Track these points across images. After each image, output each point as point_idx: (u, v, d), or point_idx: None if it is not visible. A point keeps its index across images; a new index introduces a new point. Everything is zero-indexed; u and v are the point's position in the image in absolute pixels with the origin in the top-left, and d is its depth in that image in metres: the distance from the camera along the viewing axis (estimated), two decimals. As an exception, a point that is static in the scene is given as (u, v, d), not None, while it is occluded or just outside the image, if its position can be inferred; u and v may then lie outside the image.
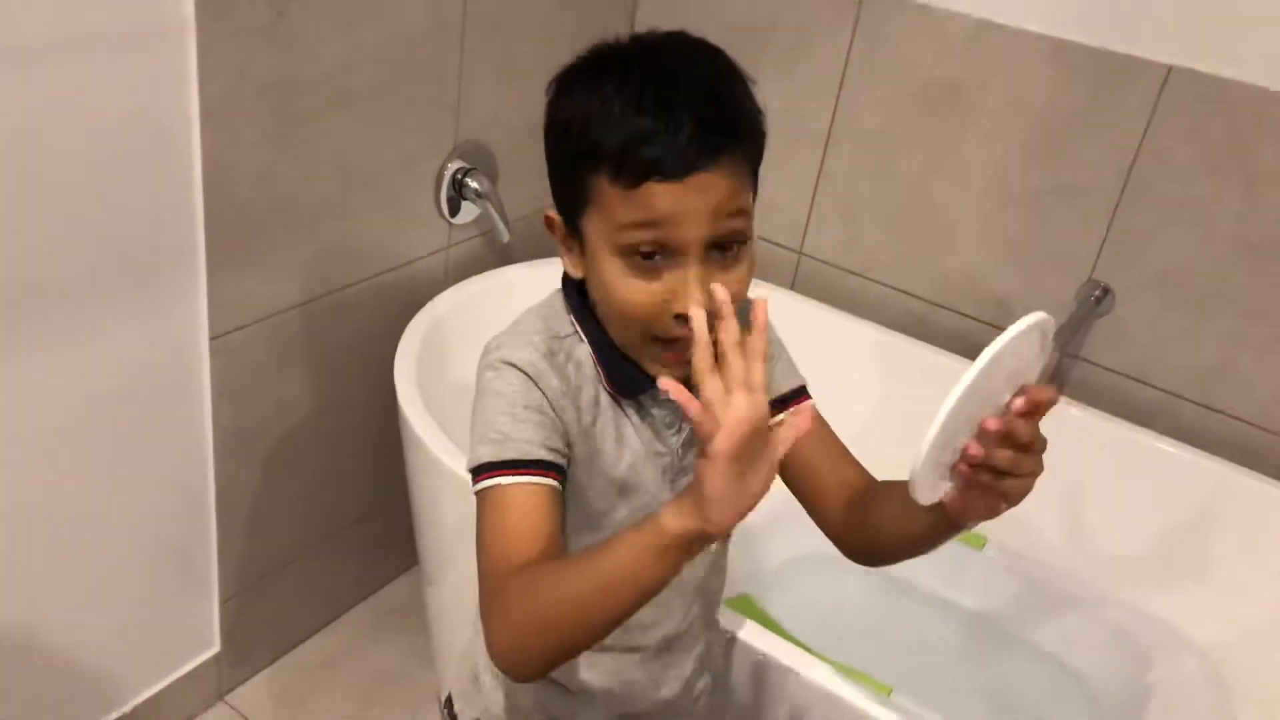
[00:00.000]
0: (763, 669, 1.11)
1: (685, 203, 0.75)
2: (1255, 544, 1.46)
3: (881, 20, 1.67)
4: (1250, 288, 1.49)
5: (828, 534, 0.95)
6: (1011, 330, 0.68)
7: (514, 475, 0.79)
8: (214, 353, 1.39)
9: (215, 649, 1.63)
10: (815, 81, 1.76)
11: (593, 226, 0.80)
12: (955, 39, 1.61)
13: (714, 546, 0.96)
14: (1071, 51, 1.52)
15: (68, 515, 1.33)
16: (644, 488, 0.89)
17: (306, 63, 1.34)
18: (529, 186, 1.75)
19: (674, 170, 0.74)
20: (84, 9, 1.10)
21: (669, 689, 1.00)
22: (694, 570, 0.96)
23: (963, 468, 0.72)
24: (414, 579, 1.91)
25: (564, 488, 0.83)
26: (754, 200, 0.81)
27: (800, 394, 0.96)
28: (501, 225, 1.67)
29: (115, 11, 1.13)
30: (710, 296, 0.72)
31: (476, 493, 0.81)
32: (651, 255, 0.77)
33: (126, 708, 1.53)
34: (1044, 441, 0.72)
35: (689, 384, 0.68)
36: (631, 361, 0.84)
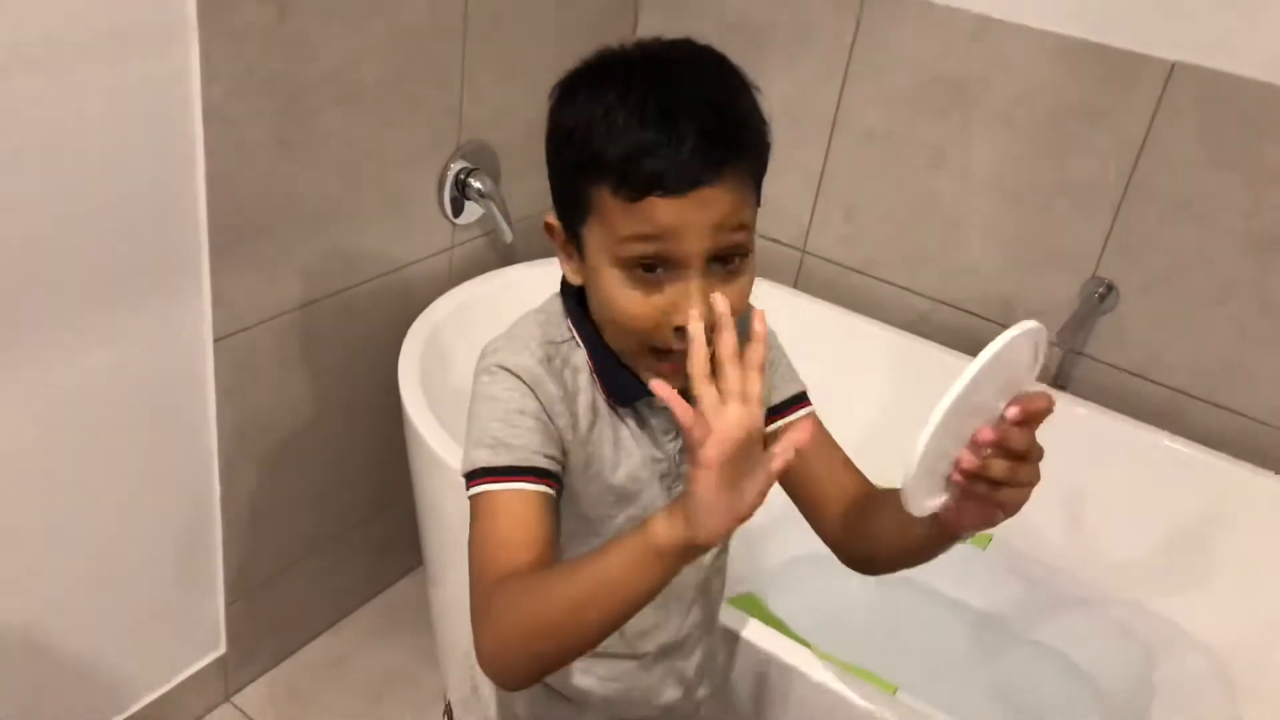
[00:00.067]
0: (767, 667, 1.11)
1: (687, 217, 0.74)
2: (1261, 541, 1.46)
3: (884, 17, 1.67)
4: (1256, 283, 1.48)
5: (826, 541, 0.94)
6: (999, 341, 0.67)
7: (508, 482, 0.79)
8: (218, 354, 1.39)
9: (221, 650, 1.63)
10: (818, 78, 1.75)
11: (593, 236, 0.79)
12: (958, 35, 1.61)
13: (711, 552, 0.95)
14: (1075, 48, 1.52)
15: (72, 517, 1.33)
16: (641, 495, 0.88)
17: (309, 62, 1.34)
18: (532, 187, 1.75)
19: (676, 185, 0.73)
20: (86, 10, 1.10)
21: (669, 695, 0.99)
22: (693, 574, 0.95)
23: (957, 478, 0.71)
24: (419, 579, 1.91)
25: (559, 495, 0.82)
26: (756, 214, 0.80)
27: (799, 400, 0.95)
28: (504, 226, 1.67)
29: (117, 12, 1.13)
30: (710, 307, 0.72)
31: (470, 497, 0.81)
32: (653, 268, 0.76)
33: (132, 710, 1.53)
34: (1040, 450, 0.71)
35: (686, 395, 0.67)
36: (628, 369, 0.84)
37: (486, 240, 1.77)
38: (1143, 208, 1.53)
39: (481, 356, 0.85)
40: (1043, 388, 0.73)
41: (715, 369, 0.67)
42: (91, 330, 1.25)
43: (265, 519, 1.59)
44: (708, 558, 0.96)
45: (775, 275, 1.87)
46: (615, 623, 0.71)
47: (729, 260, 0.78)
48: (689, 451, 0.66)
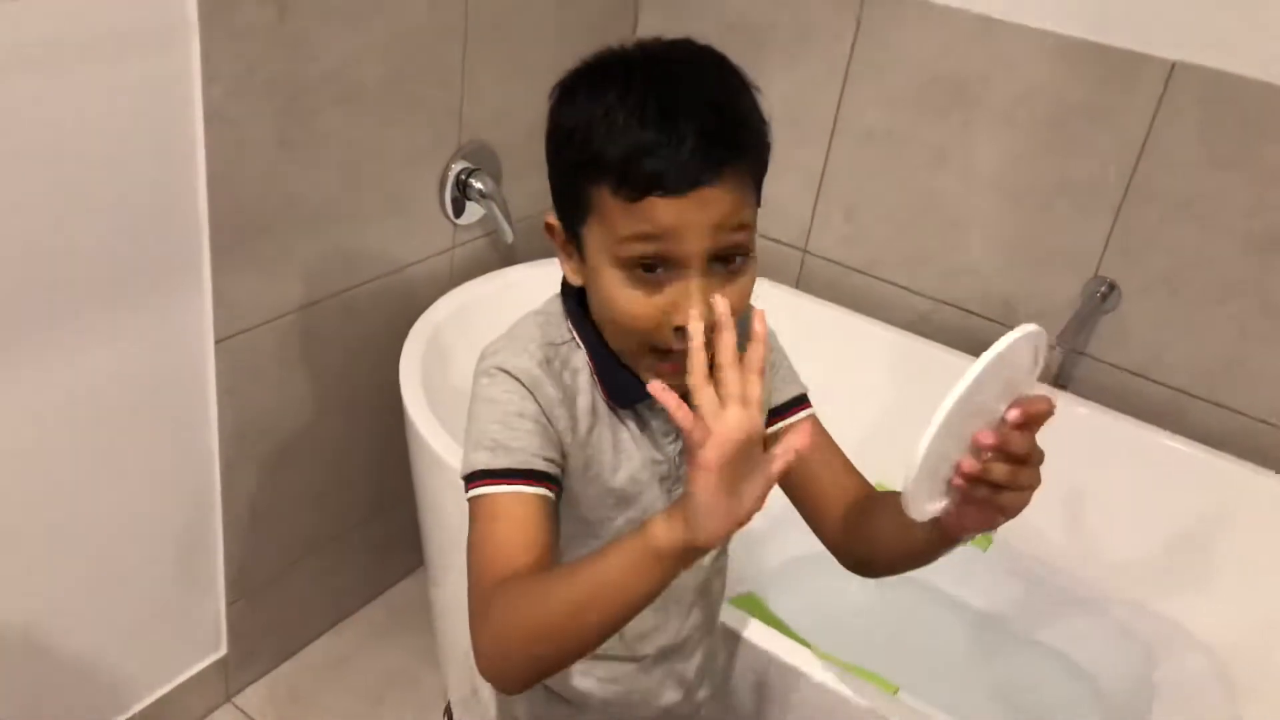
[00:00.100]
0: (768, 667, 1.11)
1: (687, 217, 0.74)
2: (1261, 540, 1.46)
3: (884, 16, 1.66)
4: (1258, 283, 1.48)
5: (826, 544, 0.94)
6: (1000, 343, 0.67)
7: (507, 484, 0.79)
8: (219, 355, 1.39)
9: (222, 651, 1.63)
10: (819, 78, 1.75)
11: (593, 236, 0.79)
12: (958, 35, 1.61)
13: (710, 554, 0.95)
14: (1076, 47, 1.52)
15: (73, 518, 1.33)
16: (641, 497, 0.88)
17: (310, 62, 1.34)
18: (533, 187, 1.75)
19: (676, 185, 0.73)
20: (87, 10, 1.10)
21: (668, 697, 0.99)
22: (693, 576, 0.95)
23: (958, 482, 0.71)
24: (421, 580, 1.91)
25: (558, 498, 0.82)
26: (757, 214, 0.80)
27: (800, 402, 0.95)
28: (506, 226, 1.67)
29: (118, 12, 1.13)
30: (710, 308, 0.71)
31: (469, 500, 0.80)
32: (653, 268, 0.76)
33: (133, 710, 1.53)
34: (1041, 454, 0.71)
35: (686, 396, 0.67)
36: (629, 370, 0.84)
37: (488, 240, 1.77)
38: (1144, 207, 1.53)
39: (481, 358, 0.85)
40: (1044, 390, 0.73)
41: (715, 371, 0.66)
42: (93, 330, 1.25)
43: (266, 519, 1.59)
44: (707, 559, 0.96)
45: (776, 275, 1.87)
46: (615, 626, 0.71)
47: (730, 260, 0.77)
48: (688, 454, 0.66)
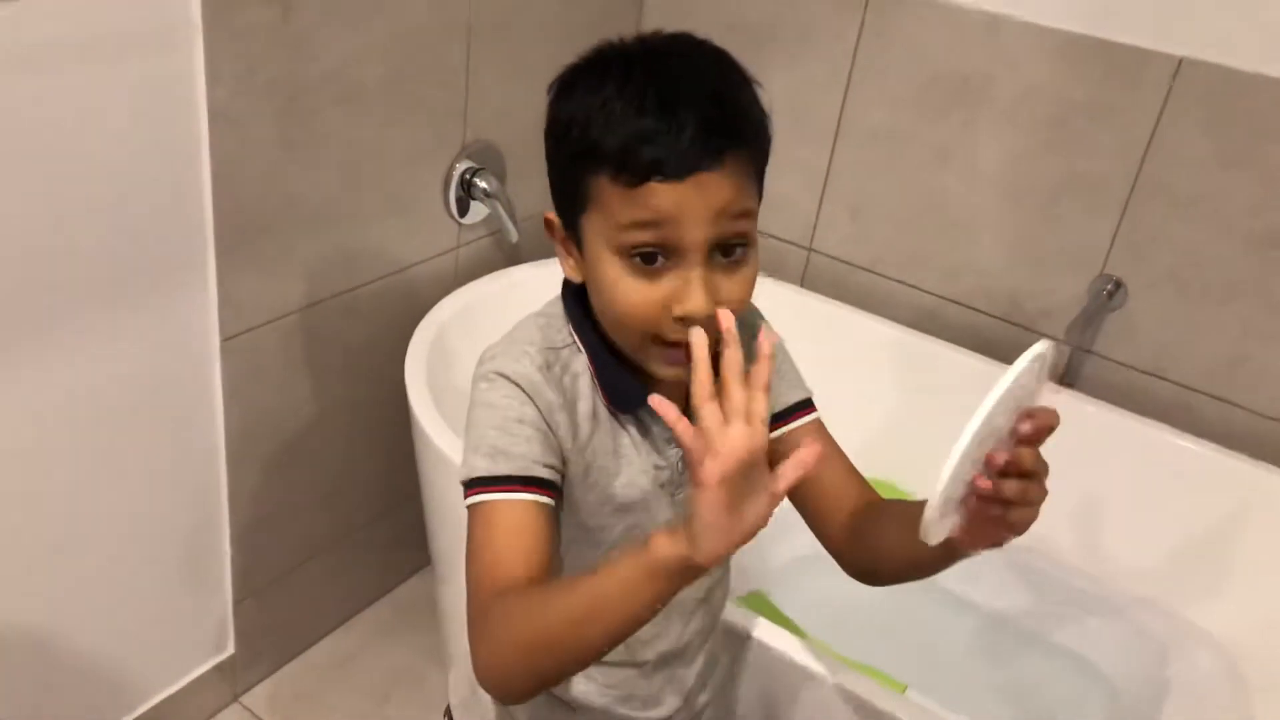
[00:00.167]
0: (776, 666, 1.11)
1: (687, 203, 0.73)
2: (1271, 538, 1.45)
3: (889, 14, 1.66)
4: (1266, 279, 1.48)
5: (829, 550, 0.94)
6: (1013, 371, 0.67)
7: (506, 491, 0.78)
8: (225, 354, 1.39)
9: (229, 650, 1.63)
10: (823, 77, 1.75)
11: (593, 227, 0.78)
12: (963, 33, 1.60)
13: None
14: (1080, 44, 1.51)
15: (80, 518, 1.33)
16: (642, 502, 0.87)
17: (314, 62, 1.34)
18: (537, 186, 1.73)
19: (676, 170, 0.72)
20: (90, 11, 1.10)
21: (669, 703, 0.98)
22: (695, 584, 0.95)
23: (973, 503, 0.71)
24: (427, 579, 1.91)
25: (558, 505, 0.81)
26: (759, 204, 0.79)
27: (804, 406, 0.94)
28: (510, 225, 1.67)
29: (122, 13, 1.13)
30: (710, 299, 0.71)
31: (468, 507, 0.79)
32: (653, 258, 0.75)
33: (140, 710, 1.53)
34: (1047, 466, 0.71)
35: (689, 413, 0.66)
36: (630, 373, 0.83)
37: (492, 240, 1.77)
38: (1150, 204, 1.53)
39: (480, 362, 0.83)
40: (1048, 397, 0.73)
41: (719, 385, 0.65)
42: (98, 331, 1.25)
43: (272, 519, 1.59)
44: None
45: (781, 274, 1.87)
46: (615, 639, 0.70)
47: (731, 250, 0.76)
48: (690, 470, 0.65)
